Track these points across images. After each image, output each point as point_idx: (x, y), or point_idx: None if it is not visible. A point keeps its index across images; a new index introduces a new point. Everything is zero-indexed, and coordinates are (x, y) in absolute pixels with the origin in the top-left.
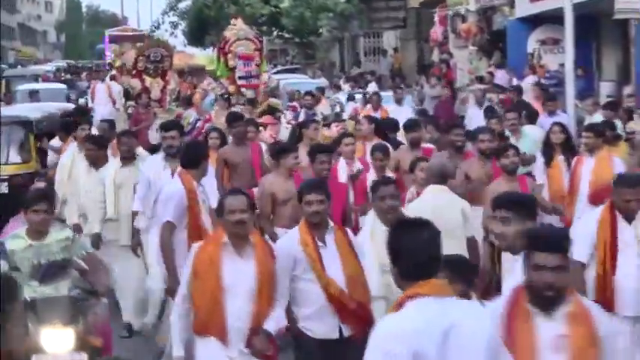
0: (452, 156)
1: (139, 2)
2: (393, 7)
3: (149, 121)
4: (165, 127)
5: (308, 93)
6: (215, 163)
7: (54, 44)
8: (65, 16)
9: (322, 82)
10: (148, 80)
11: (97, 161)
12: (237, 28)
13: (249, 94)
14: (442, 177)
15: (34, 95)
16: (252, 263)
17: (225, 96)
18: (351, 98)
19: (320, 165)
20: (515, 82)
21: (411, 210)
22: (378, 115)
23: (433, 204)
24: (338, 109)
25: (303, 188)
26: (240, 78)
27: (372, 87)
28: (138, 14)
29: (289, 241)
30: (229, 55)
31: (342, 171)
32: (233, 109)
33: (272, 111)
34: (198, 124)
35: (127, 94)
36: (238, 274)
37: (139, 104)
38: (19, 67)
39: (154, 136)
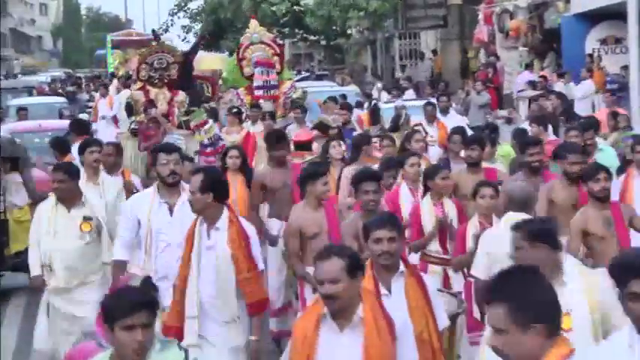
0: (528, 178)
1: (145, 3)
2: (432, 4)
3: (158, 138)
4: (164, 149)
5: (343, 106)
6: (239, 186)
7: (50, 51)
8: (62, 19)
9: (352, 89)
10: (153, 92)
11: (67, 197)
12: (250, 30)
13: (267, 106)
14: (525, 204)
15: (21, 113)
16: (359, 347)
17: (235, 110)
18: (358, 105)
19: (366, 195)
20: (572, 86)
21: (487, 243)
22: (435, 128)
23: None
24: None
25: (371, 223)
26: (257, 88)
27: (409, 95)
28: (144, 16)
29: None
30: (244, 62)
31: (406, 199)
32: (246, 124)
33: (323, 128)
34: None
35: (130, 109)
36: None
37: (147, 118)
38: (20, 77)
39: None
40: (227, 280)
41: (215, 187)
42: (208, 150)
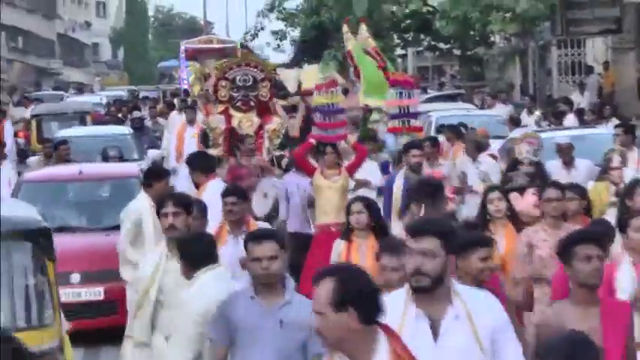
0: None
1: (229, 1)
2: (602, 3)
3: (253, 180)
4: (416, 230)
5: (414, 144)
6: None
7: (108, 62)
8: (125, 22)
9: (495, 113)
10: (237, 117)
11: None
12: (360, 36)
13: (405, 140)
14: None
15: (61, 149)
16: None
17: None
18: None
19: (586, 264)
20: None
21: None
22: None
23: None
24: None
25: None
26: (393, 117)
27: (570, 121)
28: (227, 18)
29: None
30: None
31: (626, 277)
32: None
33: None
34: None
35: (205, 138)
36: None
37: (241, 150)
38: (67, 98)
39: (261, 205)
40: None
41: (360, 301)
42: (322, 119)
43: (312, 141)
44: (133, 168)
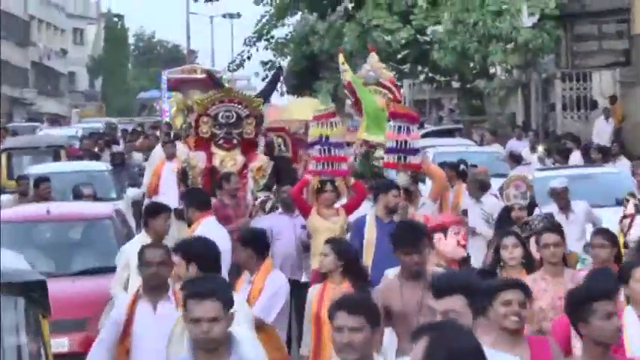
0: None
1: (215, 29)
2: (609, 35)
3: (242, 220)
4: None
5: (393, 185)
6: None
7: (85, 93)
8: (103, 49)
9: (494, 150)
10: (219, 155)
11: None
12: (367, 66)
13: (403, 179)
14: None
15: (42, 187)
16: None
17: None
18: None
19: (605, 322)
20: None
21: None
22: None
23: None
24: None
25: None
26: (389, 151)
27: (576, 159)
28: (212, 47)
29: None
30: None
31: (635, 332)
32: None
33: None
34: None
35: (184, 177)
36: None
37: (223, 190)
38: (40, 131)
39: None
40: None
41: None
42: (318, 153)
43: (309, 177)
44: (107, 208)
